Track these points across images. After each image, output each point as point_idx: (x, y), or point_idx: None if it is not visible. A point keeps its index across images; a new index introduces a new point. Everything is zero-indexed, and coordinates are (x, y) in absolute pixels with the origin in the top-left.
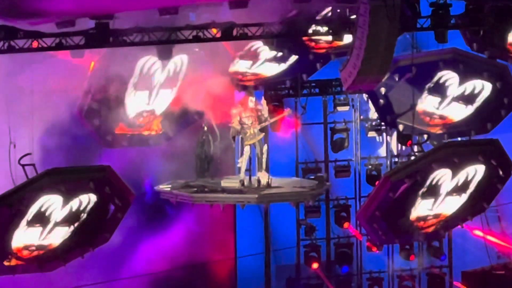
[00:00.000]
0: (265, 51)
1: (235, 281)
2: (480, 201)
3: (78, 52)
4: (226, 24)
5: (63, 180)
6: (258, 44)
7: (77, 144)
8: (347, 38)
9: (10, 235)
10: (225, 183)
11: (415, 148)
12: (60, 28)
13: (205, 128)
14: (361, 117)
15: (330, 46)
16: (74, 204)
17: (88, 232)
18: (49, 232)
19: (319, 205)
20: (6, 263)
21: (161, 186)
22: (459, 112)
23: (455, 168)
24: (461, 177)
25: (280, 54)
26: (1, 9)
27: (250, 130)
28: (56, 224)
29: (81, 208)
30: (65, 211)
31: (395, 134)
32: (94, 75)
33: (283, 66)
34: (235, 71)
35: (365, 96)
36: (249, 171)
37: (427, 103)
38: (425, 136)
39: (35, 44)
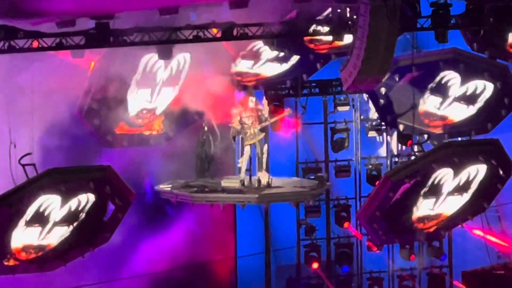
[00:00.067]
0: (267, 51)
1: (235, 281)
2: (480, 201)
3: (78, 52)
4: (226, 24)
5: (64, 180)
6: (259, 44)
7: (77, 144)
8: (348, 38)
9: (9, 235)
10: (226, 183)
11: (416, 148)
12: (60, 28)
13: (206, 128)
14: (362, 117)
15: (331, 46)
16: (73, 203)
17: (88, 231)
18: (48, 232)
19: (319, 205)
20: (5, 263)
21: (161, 186)
22: (460, 113)
23: (457, 168)
24: (462, 176)
25: (282, 54)
26: (1, 9)
27: (250, 130)
28: (55, 224)
29: (80, 208)
30: (64, 211)
31: (395, 134)
32: (94, 75)
33: (285, 66)
34: (238, 72)
35: (365, 96)
36: (250, 171)
37: (429, 103)
38: (425, 136)
39: (35, 44)
